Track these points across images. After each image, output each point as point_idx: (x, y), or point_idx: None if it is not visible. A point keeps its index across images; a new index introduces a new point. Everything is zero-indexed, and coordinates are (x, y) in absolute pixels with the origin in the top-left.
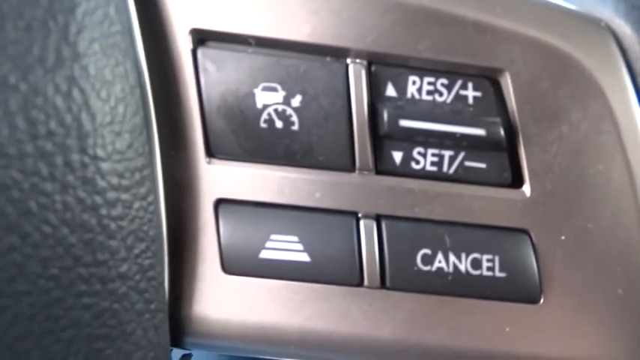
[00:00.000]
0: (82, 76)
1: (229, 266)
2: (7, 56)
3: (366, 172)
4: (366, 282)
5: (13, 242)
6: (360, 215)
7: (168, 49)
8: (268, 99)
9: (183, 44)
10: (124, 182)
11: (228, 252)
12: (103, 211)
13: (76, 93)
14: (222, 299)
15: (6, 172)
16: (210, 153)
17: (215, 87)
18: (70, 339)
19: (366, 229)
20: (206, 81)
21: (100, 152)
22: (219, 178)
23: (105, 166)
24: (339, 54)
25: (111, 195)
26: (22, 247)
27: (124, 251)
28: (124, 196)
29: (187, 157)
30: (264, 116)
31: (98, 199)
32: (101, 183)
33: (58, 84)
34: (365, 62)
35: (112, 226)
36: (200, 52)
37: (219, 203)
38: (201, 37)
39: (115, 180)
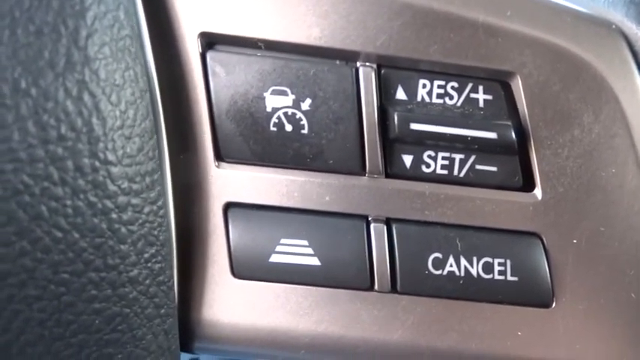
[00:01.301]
0: (92, 80)
1: (239, 270)
2: (18, 60)
3: (376, 176)
4: (376, 286)
5: (24, 247)
6: (370, 219)
7: (177, 53)
8: (278, 102)
9: (192, 48)
10: (135, 186)
11: (237, 256)
12: (114, 216)
13: (86, 97)
14: (231, 303)
15: (17, 177)
16: (219, 156)
17: (224, 90)
18: (80, 344)
19: (377, 232)
20: (215, 85)
21: (110, 156)
22: (228, 182)
23: (115, 170)
24: (348, 57)
25: (121, 199)
26: (33, 251)
27: (135, 256)
28: (135, 201)
29: (196, 160)
30: (274, 120)
31: (109, 204)
32: (112, 187)
33: (68, 88)
34: (375, 65)
35: (123, 230)
36: (209, 55)
37: (229, 207)
38: (211, 41)
39: (125, 184)
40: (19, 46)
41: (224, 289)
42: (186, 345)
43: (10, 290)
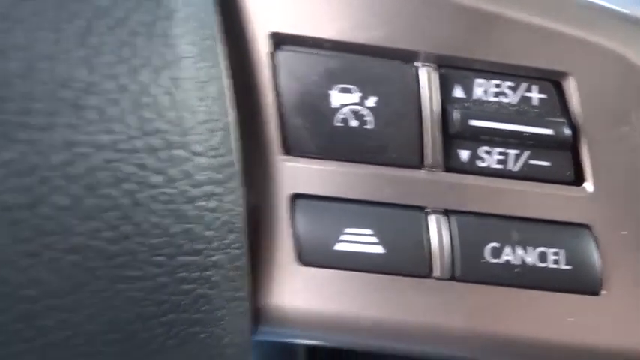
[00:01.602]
0: (183, 77)
1: (304, 257)
2: (119, 58)
3: (434, 169)
4: (436, 273)
5: (128, 231)
6: (429, 210)
7: (247, 52)
8: (343, 99)
9: (262, 47)
10: (218, 176)
11: (303, 244)
12: (202, 204)
13: (178, 92)
14: (297, 289)
15: (121, 167)
16: (286, 150)
17: (292, 88)
18: (170, 323)
19: (436, 223)
20: (283, 82)
21: (198, 148)
22: (294, 175)
23: (202, 161)
24: (409, 57)
25: (207, 188)
26: (135, 235)
27: (218, 241)
28: (218, 190)
29: (265, 154)
30: (339, 115)
31: (197, 192)
32: (199, 177)
33: (163, 84)
34: (434, 65)
35: (209, 217)
36: (278, 54)
37: (295, 198)
38: (279, 41)
39: (211, 174)
40: (120, 44)
41: (290, 275)
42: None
43: (115, 271)
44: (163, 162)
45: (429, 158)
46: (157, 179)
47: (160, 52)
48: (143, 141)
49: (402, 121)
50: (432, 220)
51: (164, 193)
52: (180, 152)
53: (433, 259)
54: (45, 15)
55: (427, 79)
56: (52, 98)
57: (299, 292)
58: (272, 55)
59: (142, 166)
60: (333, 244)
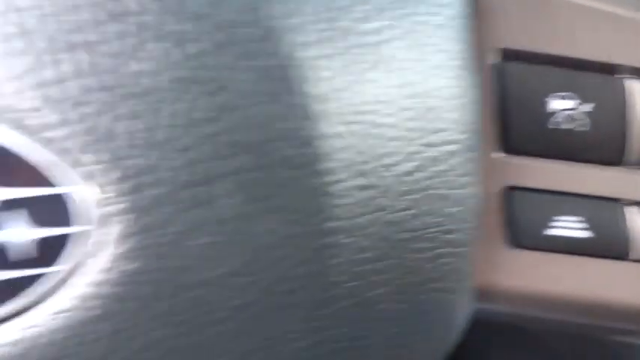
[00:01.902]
0: (458, 85)
1: (518, 241)
2: (413, 71)
3: (633, 167)
4: (633, 256)
5: (413, 213)
6: (627, 202)
7: (478, 62)
8: (559, 105)
9: (490, 59)
10: (469, 168)
11: (517, 229)
12: (461, 191)
13: (457, 99)
14: (510, 270)
15: (414, 156)
16: (504, 148)
17: (513, 94)
18: (429, 291)
19: (634, 213)
20: (506, 89)
21: (465, 144)
22: (510, 169)
23: (466, 156)
24: (615, 70)
25: (465, 178)
26: (418, 216)
27: (467, 223)
28: (469, 180)
29: (486, 150)
30: (554, 119)
31: (462, 181)
32: (463, 168)
33: (447, 93)
34: (636, 77)
35: (465, 202)
36: (503, 65)
37: (510, 189)
38: (506, 54)
39: (468, 167)
40: (414, 60)
41: (504, 257)
42: None
43: (406, 244)
44: (443, 155)
45: (631, 157)
46: (439, 168)
47: (441, 66)
48: (427, 139)
49: (610, 126)
50: (630, 211)
51: (445, 181)
52: (454, 147)
53: (632, 243)
54: None
55: (632, 89)
56: None
57: (512, 272)
58: (499, 67)
59: (430, 158)
60: (544, 230)
